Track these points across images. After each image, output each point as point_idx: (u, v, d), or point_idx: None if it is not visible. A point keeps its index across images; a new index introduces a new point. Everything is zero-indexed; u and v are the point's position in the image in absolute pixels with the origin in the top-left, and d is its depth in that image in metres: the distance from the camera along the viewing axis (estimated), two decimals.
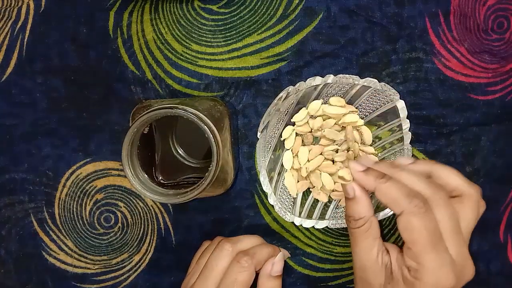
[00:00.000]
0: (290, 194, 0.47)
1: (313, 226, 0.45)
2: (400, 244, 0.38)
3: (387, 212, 0.43)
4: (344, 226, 0.45)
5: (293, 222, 0.46)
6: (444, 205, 0.35)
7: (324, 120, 0.46)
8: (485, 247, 0.49)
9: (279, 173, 0.47)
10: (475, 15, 0.47)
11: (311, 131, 0.47)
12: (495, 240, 0.49)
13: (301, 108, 0.46)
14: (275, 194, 0.45)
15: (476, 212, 0.37)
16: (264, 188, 0.44)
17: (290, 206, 0.46)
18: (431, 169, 0.37)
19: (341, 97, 0.46)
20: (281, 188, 0.47)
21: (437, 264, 0.33)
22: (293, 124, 0.47)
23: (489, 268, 0.49)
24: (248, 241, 0.44)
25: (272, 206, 0.47)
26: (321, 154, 0.47)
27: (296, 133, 0.47)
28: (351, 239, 0.38)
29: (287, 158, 0.47)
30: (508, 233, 0.49)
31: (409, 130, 0.45)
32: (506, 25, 0.48)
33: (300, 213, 0.46)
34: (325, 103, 0.46)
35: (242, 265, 0.41)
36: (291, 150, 0.47)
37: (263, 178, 0.44)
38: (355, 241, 0.37)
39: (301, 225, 0.45)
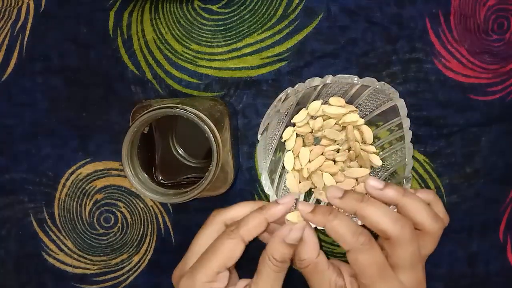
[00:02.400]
0: None
1: (315, 227, 0.45)
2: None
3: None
4: None
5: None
6: (406, 243, 0.36)
7: (324, 120, 0.46)
8: (485, 247, 0.49)
9: (281, 175, 0.47)
10: (475, 16, 0.47)
11: (311, 132, 0.47)
12: (495, 240, 0.49)
13: (301, 109, 0.46)
14: (277, 196, 0.45)
15: (435, 245, 0.39)
16: (266, 190, 0.44)
17: (292, 208, 0.46)
18: (399, 201, 0.38)
19: (341, 97, 0.46)
20: (283, 189, 0.47)
21: None
22: (294, 125, 0.47)
23: (489, 268, 0.49)
24: (240, 210, 0.41)
25: None
26: (322, 154, 0.47)
27: (296, 134, 0.47)
28: (305, 277, 0.39)
29: (288, 159, 0.47)
30: (508, 233, 0.49)
31: (409, 129, 0.45)
32: (506, 26, 0.48)
33: None
34: (325, 103, 0.46)
35: (226, 233, 0.38)
36: (292, 151, 0.47)
37: (265, 180, 0.44)
38: (307, 279, 0.38)
39: None
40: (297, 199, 0.42)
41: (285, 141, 0.47)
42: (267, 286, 0.38)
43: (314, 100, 0.46)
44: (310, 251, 0.38)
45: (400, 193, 0.37)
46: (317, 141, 0.47)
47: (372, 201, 0.37)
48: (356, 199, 0.37)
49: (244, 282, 0.40)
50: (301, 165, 0.46)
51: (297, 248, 0.38)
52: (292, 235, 0.37)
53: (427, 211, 0.38)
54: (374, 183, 0.38)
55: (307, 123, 0.46)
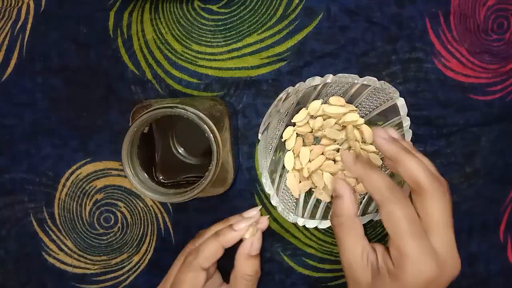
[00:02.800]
0: (292, 195, 0.47)
1: (316, 227, 0.45)
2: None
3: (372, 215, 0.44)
4: None
5: (296, 223, 0.46)
6: (440, 198, 0.35)
7: (324, 120, 0.46)
8: (485, 247, 0.49)
9: (281, 175, 0.47)
10: (475, 16, 0.47)
11: (311, 131, 0.47)
12: (495, 240, 0.49)
13: (301, 109, 0.46)
14: (277, 195, 0.45)
15: (444, 205, 0.36)
16: (267, 190, 0.44)
17: (293, 207, 0.46)
18: (397, 157, 0.36)
19: (341, 96, 0.46)
20: (283, 189, 0.47)
21: (418, 252, 0.33)
22: (294, 124, 0.47)
23: (489, 268, 0.49)
24: (209, 234, 0.44)
25: (273, 206, 0.47)
26: (322, 154, 0.47)
27: (296, 133, 0.47)
28: (336, 239, 0.38)
29: (288, 159, 0.47)
30: (508, 233, 0.49)
31: (409, 129, 0.45)
32: (506, 26, 0.48)
33: (303, 214, 0.46)
34: (325, 103, 0.46)
35: (186, 265, 0.41)
36: (292, 151, 0.47)
37: (265, 180, 0.44)
38: (339, 240, 0.37)
39: (303, 225, 0.45)
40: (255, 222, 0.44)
41: (285, 140, 0.47)
42: None
43: (314, 100, 0.46)
44: (347, 207, 0.37)
45: (402, 150, 0.37)
46: (317, 140, 0.47)
47: (409, 153, 0.36)
48: (399, 146, 0.37)
49: None
50: (302, 165, 0.46)
51: (336, 206, 0.38)
52: (254, 247, 0.41)
53: (425, 169, 0.36)
54: (381, 133, 0.38)
55: (307, 122, 0.46)
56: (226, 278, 0.45)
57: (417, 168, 0.35)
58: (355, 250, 0.36)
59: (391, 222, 0.34)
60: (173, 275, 0.43)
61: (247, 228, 0.41)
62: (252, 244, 0.41)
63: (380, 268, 0.36)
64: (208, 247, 0.41)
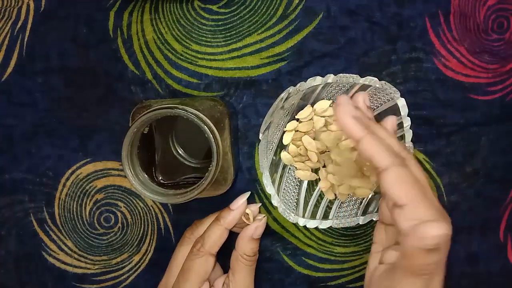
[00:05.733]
0: (293, 195, 0.47)
1: (316, 227, 0.45)
2: None
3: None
4: (347, 226, 0.45)
5: (296, 223, 0.46)
6: (416, 164, 0.34)
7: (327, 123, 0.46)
8: (485, 247, 0.49)
9: (281, 175, 0.47)
10: (475, 15, 0.47)
11: (312, 129, 0.47)
12: (495, 240, 0.49)
13: (301, 109, 0.46)
14: (278, 196, 0.45)
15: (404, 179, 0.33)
16: (267, 190, 0.44)
17: (294, 207, 0.46)
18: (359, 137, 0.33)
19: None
20: (284, 189, 0.47)
21: (434, 210, 0.31)
22: (297, 120, 0.47)
23: (489, 268, 0.49)
24: (207, 222, 0.45)
25: (273, 206, 0.47)
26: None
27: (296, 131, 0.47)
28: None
29: (287, 137, 0.47)
30: (508, 233, 0.49)
31: (409, 129, 0.45)
32: (506, 25, 0.48)
33: (303, 214, 0.46)
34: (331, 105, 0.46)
35: (194, 253, 0.42)
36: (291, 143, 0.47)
37: (266, 180, 0.44)
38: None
39: (304, 225, 0.45)
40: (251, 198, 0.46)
41: (285, 131, 0.46)
42: (244, 279, 0.43)
43: (314, 100, 0.46)
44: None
45: (365, 130, 0.33)
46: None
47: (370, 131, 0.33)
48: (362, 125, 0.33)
49: (220, 280, 0.44)
50: (306, 149, 0.46)
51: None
52: (258, 232, 0.43)
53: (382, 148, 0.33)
54: (346, 107, 0.34)
55: (311, 119, 0.46)
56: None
57: (373, 147, 0.32)
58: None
59: (400, 185, 0.31)
60: (176, 267, 0.44)
61: (244, 204, 0.44)
62: (256, 228, 0.43)
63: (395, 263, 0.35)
64: (213, 232, 0.43)
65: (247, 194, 0.45)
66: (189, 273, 0.42)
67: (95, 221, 0.50)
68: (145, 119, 0.38)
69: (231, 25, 0.48)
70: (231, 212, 0.43)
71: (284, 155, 0.47)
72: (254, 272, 0.44)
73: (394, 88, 0.44)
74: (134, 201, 0.50)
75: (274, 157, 0.46)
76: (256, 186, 0.49)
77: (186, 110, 0.39)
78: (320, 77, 0.43)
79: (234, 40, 0.48)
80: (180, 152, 0.46)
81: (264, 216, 0.44)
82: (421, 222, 0.30)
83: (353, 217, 0.45)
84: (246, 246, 0.43)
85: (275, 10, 0.48)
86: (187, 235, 0.45)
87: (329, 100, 0.46)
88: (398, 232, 0.32)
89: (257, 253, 0.44)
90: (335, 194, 0.47)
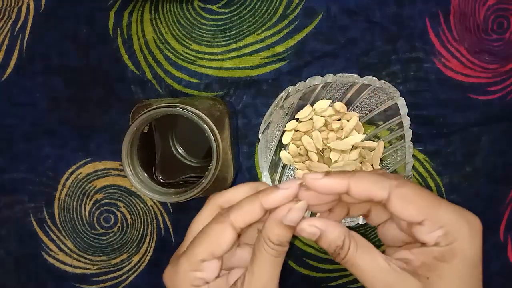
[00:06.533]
0: None
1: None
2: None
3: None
4: (347, 226, 0.45)
5: None
6: (407, 189, 0.31)
7: (327, 123, 0.46)
8: (485, 247, 0.49)
9: (281, 175, 0.47)
10: (475, 15, 0.47)
11: (312, 129, 0.47)
12: (495, 240, 0.49)
13: (300, 109, 0.46)
14: None
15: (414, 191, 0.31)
16: None
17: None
18: (349, 183, 0.31)
19: (341, 95, 0.46)
20: None
21: (456, 212, 0.29)
22: (297, 120, 0.47)
23: (489, 268, 0.49)
24: (238, 192, 0.36)
25: None
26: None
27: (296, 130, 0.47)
28: (351, 269, 0.31)
29: (287, 136, 0.47)
30: (508, 233, 0.49)
31: (409, 128, 0.45)
32: (506, 25, 0.48)
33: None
34: (331, 105, 0.46)
35: (216, 218, 0.34)
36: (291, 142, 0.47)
37: (266, 179, 0.44)
38: (356, 267, 0.31)
39: None
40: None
41: (285, 131, 0.47)
42: (264, 273, 0.33)
43: (313, 100, 0.46)
44: (339, 231, 0.31)
45: (346, 175, 0.31)
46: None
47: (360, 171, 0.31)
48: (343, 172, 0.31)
49: (239, 271, 0.35)
50: (306, 149, 0.46)
51: (326, 243, 0.31)
52: (290, 216, 0.32)
53: (374, 177, 0.31)
54: (312, 175, 0.31)
55: (311, 119, 0.46)
56: None
57: (364, 184, 0.30)
58: (377, 263, 0.30)
59: (413, 203, 0.29)
60: (194, 231, 0.36)
61: (295, 188, 0.33)
62: (290, 210, 0.32)
63: (419, 267, 0.30)
64: (246, 202, 0.33)
65: (300, 181, 0.34)
66: (200, 240, 0.34)
67: (95, 221, 0.50)
68: (145, 118, 0.38)
69: (231, 25, 0.48)
70: (275, 191, 0.32)
71: (284, 154, 0.47)
72: (280, 269, 0.34)
73: (394, 88, 0.44)
74: (134, 201, 0.50)
75: (274, 157, 0.46)
76: None
77: (186, 109, 0.39)
78: (320, 77, 0.43)
79: (234, 40, 0.48)
80: (180, 151, 0.46)
81: (305, 202, 0.33)
82: (447, 228, 0.29)
83: (353, 217, 0.45)
84: (272, 230, 0.32)
85: (275, 10, 0.48)
86: (211, 197, 0.37)
87: (328, 99, 0.46)
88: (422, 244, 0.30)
89: (287, 245, 0.33)
90: None
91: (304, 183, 0.32)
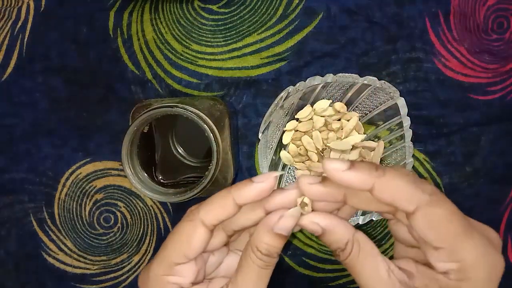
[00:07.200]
0: None
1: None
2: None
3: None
4: None
5: None
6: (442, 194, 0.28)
7: (327, 123, 0.46)
8: None
9: (281, 175, 0.47)
10: (475, 15, 0.47)
11: (312, 129, 0.47)
12: None
13: (300, 108, 0.46)
14: None
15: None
16: None
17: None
18: (375, 183, 0.27)
19: (341, 95, 0.46)
20: None
21: (481, 250, 0.26)
22: (297, 120, 0.47)
23: None
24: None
25: None
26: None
27: (296, 130, 0.47)
28: (351, 272, 0.29)
29: (287, 136, 0.47)
30: (508, 233, 0.49)
31: (409, 128, 0.45)
32: (506, 25, 0.48)
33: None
34: (331, 105, 0.46)
35: (186, 216, 0.31)
36: (291, 142, 0.47)
37: None
38: (355, 271, 0.28)
39: None
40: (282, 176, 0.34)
41: (285, 131, 0.46)
42: (249, 285, 0.30)
43: (313, 100, 0.46)
44: (345, 231, 0.28)
45: (374, 172, 0.27)
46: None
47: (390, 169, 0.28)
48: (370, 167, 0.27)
49: (222, 280, 0.32)
50: (306, 149, 0.46)
51: (329, 242, 0.29)
52: (282, 224, 0.28)
53: (409, 183, 0.27)
54: (335, 164, 0.27)
55: (311, 119, 0.46)
56: None
57: (393, 188, 0.27)
58: (378, 273, 0.28)
59: (437, 227, 0.26)
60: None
61: (271, 181, 0.29)
62: (281, 218, 0.29)
63: None
64: (216, 197, 0.30)
65: (280, 172, 0.33)
66: (169, 239, 0.30)
67: (95, 221, 0.50)
68: (145, 118, 0.38)
69: (231, 25, 0.48)
70: (249, 184, 0.29)
71: (284, 154, 0.47)
72: (267, 282, 0.30)
73: (394, 88, 0.44)
74: (134, 201, 0.50)
75: (274, 157, 0.46)
76: None
77: (186, 109, 0.39)
78: (320, 77, 0.43)
79: (234, 40, 0.48)
80: (180, 151, 0.46)
81: (298, 208, 0.29)
82: (464, 264, 0.26)
83: (353, 216, 0.45)
84: (261, 238, 0.29)
85: (275, 10, 0.48)
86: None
87: (328, 99, 0.46)
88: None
89: (276, 257, 0.30)
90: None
91: (323, 173, 0.28)
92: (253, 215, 0.30)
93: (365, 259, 0.28)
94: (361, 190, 0.27)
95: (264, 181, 0.29)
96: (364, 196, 0.28)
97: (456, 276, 0.26)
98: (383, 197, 0.27)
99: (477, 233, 0.27)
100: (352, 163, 0.27)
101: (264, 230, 0.29)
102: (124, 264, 0.50)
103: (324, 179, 0.28)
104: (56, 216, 0.50)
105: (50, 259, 0.50)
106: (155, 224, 0.50)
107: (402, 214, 0.28)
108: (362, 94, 0.45)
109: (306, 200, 0.29)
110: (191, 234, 0.30)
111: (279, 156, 0.47)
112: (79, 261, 0.50)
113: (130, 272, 0.50)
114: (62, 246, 0.50)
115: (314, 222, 0.28)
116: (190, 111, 0.39)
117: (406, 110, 0.44)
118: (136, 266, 0.50)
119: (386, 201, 0.27)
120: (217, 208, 0.30)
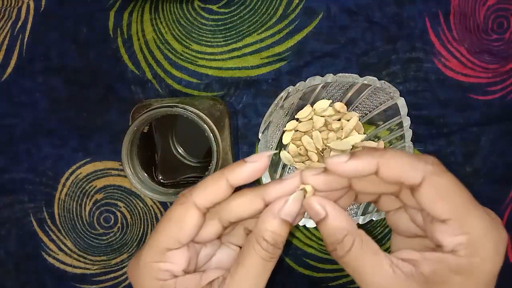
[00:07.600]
0: None
1: (316, 226, 0.45)
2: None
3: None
4: None
5: None
6: (441, 179, 0.27)
7: (327, 123, 0.46)
8: None
9: (281, 175, 0.47)
10: (475, 15, 0.47)
11: (312, 129, 0.47)
12: None
13: (300, 108, 0.46)
14: None
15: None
16: None
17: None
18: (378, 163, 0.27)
19: (341, 95, 0.46)
20: None
21: (487, 221, 0.26)
22: (297, 120, 0.47)
23: None
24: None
25: None
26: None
27: (296, 130, 0.47)
28: (350, 271, 0.28)
29: (287, 136, 0.47)
30: (508, 233, 0.49)
31: (409, 128, 0.45)
32: (506, 25, 0.48)
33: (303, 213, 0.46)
34: (331, 105, 0.46)
35: (177, 199, 0.30)
36: (291, 142, 0.47)
37: (265, 179, 0.44)
38: (355, 268, 0.27)
39: (304, 225, 0.45)
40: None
41: (285, 131, 0.47)
42: (250, 278, 0.28)
43: (313, 100, 0.46)
44: (346, 221, 0.27)
45: (375, 154, 0.27)
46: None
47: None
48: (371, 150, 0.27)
49: (216, 272, 0.30)
50: (306, 149, 0.46)
51: (328, 231, 0.28)
52: (287, 208, 0.28)
53: (407, 158, 0.27)
54: (336, 158, 0.27)
55: (311, 119, 0.46)
56: None
57: (397, 164, 0.26)
58: (381, 268, 0.27)
59: (444, 198, 0.26)
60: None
61: (264, 161, 0.29)
62: (286, 203, 0.28)
63: (430, 276, 0.26)
64: (210, 179, 0.29)
65: (273, 152, 0.31)
66: (161, 224, 0.29)
67: (95, 221, 0.50)
68: (145, 118, 0.38)
69: (231, 25, 0.48)
70: (242, 164, 0.29)
71: (284, 154, 0.47)
72: (267, 278, 0.29)
73: (394, 88, 0.44)
74: (134, 201, 0.50)
75: (274, 157, 0.46)
76: (256, 186, 0.49)
77: (186, 109, 0.39)
78: (320, 77, 0.43)
79: (234, 40, 0.48)
80: (180, 151, 0.46)
81: (302, 190, 0.28)
82: (473, 237, 0.26)
83: (353, 216, 0.45)
84: (267, 226, 0.28)
85: (275, 10, 0.48)
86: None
87: (328, 99, 0.46)
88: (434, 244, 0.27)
89: (281, 247, 0.29)
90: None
91: (326, 167, 0.27)
92: (251, 206, 0.29)
93: (367, 255, 0.27)
94: (367, 174, 0.26)
95: (257, 161, 0.28)
96: (369, 178, 0.28)
97: (466, 251, 0.26)
98: (389, 174, 0.26)
99: (479, 205, 0.26)
100: (352, 153, 0.27)
101: (269, 217, 0.28)
102: (124, 264, 0.50)
103: (326, 169, 0.28)
104: (56, 216, 0.50)
105: (50, 259, 0.50)
106: (155, 224, 0.50)
107: (407, 194, 0.28)
108: (362, 94, 0.45)
109: (308, 188, 0.28)
110: (183, 217, 0.28)
111: (279, 156, 0.47)
112: (79, 261, 0.50)
113: None
114: (62, 246, 0.50)
115: (321, 203, 0.27)
116: (190, 111, 0.39)
117: (406, 110, 0.44)
118: None
119: (393, 177, 0.26)
120: (210, 190, 0.29)
